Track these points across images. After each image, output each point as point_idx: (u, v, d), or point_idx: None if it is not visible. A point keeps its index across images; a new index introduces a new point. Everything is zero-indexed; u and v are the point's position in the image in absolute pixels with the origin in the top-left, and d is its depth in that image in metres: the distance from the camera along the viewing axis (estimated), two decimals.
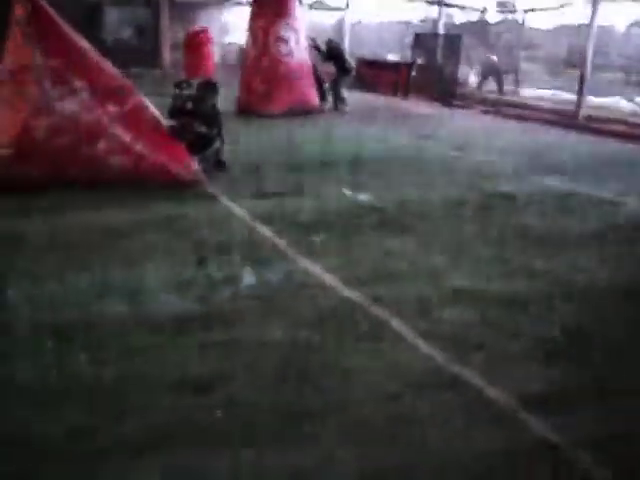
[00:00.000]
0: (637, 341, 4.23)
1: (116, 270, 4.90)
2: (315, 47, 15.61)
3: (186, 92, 8.13)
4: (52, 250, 5.29)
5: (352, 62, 16.42)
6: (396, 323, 4.19)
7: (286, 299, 4.51)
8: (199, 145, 7.89)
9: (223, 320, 4.18)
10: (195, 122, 7.88)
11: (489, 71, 21.18)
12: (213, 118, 8.17)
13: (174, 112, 7.97)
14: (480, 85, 21.24)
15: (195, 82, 8.55)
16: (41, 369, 3.53)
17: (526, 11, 21.74)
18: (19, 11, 7.20)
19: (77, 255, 5.20)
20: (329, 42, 16.19)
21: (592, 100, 16.40)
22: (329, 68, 16.00)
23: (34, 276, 4.72)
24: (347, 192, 7.49)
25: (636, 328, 4.43)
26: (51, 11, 7.26)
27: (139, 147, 7.23)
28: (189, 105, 8.03)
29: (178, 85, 8.32)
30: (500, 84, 20.69)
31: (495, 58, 21.29)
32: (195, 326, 4.09)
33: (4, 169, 6.90)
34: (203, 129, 7.94)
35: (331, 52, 15.78)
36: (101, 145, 7.15)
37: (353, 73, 16.67)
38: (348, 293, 4.63)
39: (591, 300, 4.78)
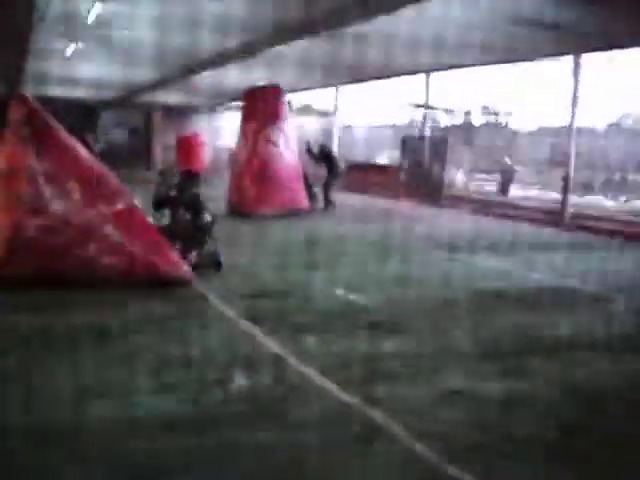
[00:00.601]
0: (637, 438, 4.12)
1: (104, 370, 4.79)
2: (308, 150, 16.21)
3: (169, 180, 8.28)
4: (39, 348, 5.17)
5: (342, 165, 16.93)
6: (391, 424, 4.08)
7: (279, 401, 4.40)
8: (189, 235, 7.93)
9: (214, 423, 4.05)
10: (179, 210, 7.98)
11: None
12: (197, 207, 8.24)
13: (158, 201, 8.10)
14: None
15: (177, 171, 8.74)
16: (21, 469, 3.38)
17: (508, 114, 22.42)
18: (15, 114, 7.36)
19: (64, 354, 5.10)
20: (322, 146, 17.08)
21: (576, 199, 16.74)
22: (320, 171, 16.49)
23: (18, 374, 4.61)
24: (339, 292, 7.47)
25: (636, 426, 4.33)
26: (46, 114, 7.42)
27: (130, 247, 7.23)
28: (172, 193, 8.16)
29: (161, 173, 8.49)
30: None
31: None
32: (186, 429, 3.96)
33: None
34: (188, 216, 8.01)
35: (323, 154, 16.36)
36: (92, 245, 7.15)
37: (342, 175, 17.12)
38: (341, 394, 4.52)
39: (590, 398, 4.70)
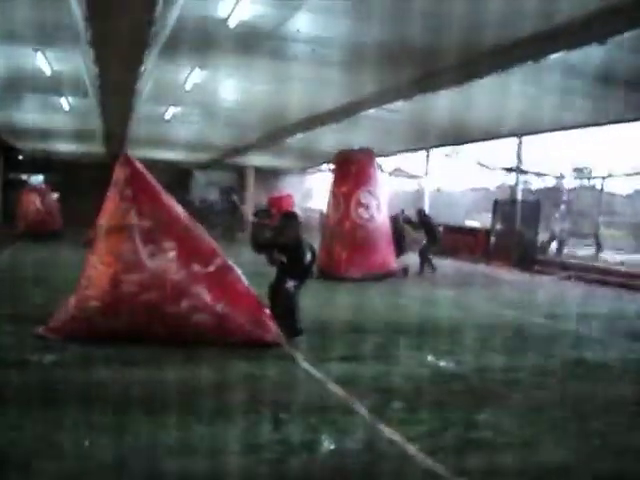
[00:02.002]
0: None
1: (192, 429, 4.82)
2: (406, 219, 16.18)
3: (265, 221, 8.20)
4: (129, 403, 5.26)
5: (440, 230, 16.80)
6: None
7: (366, 468, 4.29)
8: (285, 274, 7.93)
9: None
10: (274, 251, 7.98)
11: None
12: (299, 247, 8.11)
13: (257, 243, 8.07)
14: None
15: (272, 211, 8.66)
16: None
17: (603, 177, 21.83)
18: (119, 174, 7.68)
19: (154, 410, 5.15)
20: (420, 212, 17.04)
21: None
22: (419, 236, 16.43)
23: (108, 429, 4.67)
24: (430, 358, 7.32)
25: None
26: (147, 175, 7.72)
27: (221, 307, 7.33)
28: (268, 234, 8.10)
29: (256, 214, 8.48)
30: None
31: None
32: None
33: (91, 320, 7.19)
34: (283, 258, 7.98)
35: (422, 222, 16.31)
36: (184, 303, 7.28)
37: (440, 240, 16.97)
38: (431, 464, 4.37)
39: None
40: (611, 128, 18.37)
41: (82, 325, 7.21)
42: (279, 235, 8.29)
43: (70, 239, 18.78)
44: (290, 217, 8.61)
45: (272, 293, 8.12)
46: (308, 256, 8.14)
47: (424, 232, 16.23)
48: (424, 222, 16.42)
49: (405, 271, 15.45)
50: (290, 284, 8.01)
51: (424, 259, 15.87)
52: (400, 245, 15.77)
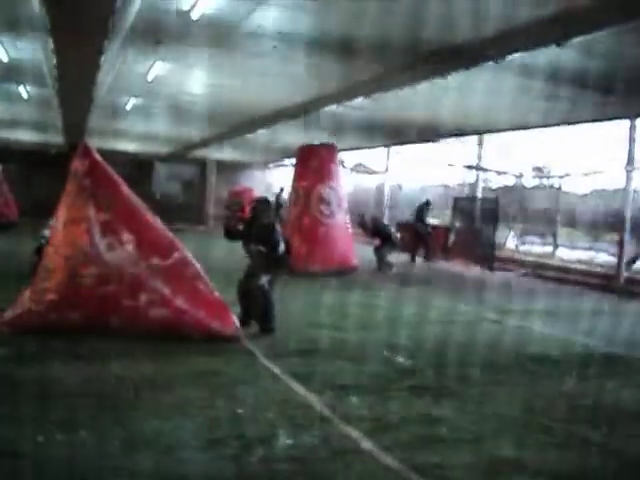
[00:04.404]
0: None
1: (147, 423, 4.80)
2: (361, 224, 16.24)
3: (238, 214, 8.23)
4: (84, 398, 5.22)
5: (397, 236, 16.86)
6: None
7: (322, 464, 4.32)
8: (268, 264, 7.93)
9: None
10: (251, 244, 7.95)
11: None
12: (272, 237, 8.06)
13: (227, 230, 8.15)
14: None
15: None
16: None
17: (561, 177, 22.19)
18: (77, 165, 7.59)
19: (109, 405, 5.12)
20: (374, 219, 17.15)
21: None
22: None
23: (62, 425, 4.62)
24: (386, 354, 7.39)
25: None
26: (107, 167, 7.64)
27: (180, 301, 7.30)
28: (240, 226, 8.16)
29: (227, 207, 8.49)
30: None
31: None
32: None
33: (48, 313, 7.10)
34: (261, 248, 7.96)
35: (377, 228, 16.37)
36: (143, 296, 7.24)
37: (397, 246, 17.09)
38: (387, 460, 4.42)
39: None
40: (570, 128, 18.63)
41: (38, 318, 7.11)
42: (252, 221, 8.27)
43: (26, 231, 18.45)
44: (262, 202, 8.57)
45: (243, 290, 8.09)
46: (282, 246, 8.09)
47: (379, 238, 16.31)
48: (378, 228, 16.50)
49: (390, 266, 15.67)
50: (263, 280, 7.99)
51: (381, 258, 15.95)
52: (390, 242, 15.99)
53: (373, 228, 16.39)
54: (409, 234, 19.45)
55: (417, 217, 19.47)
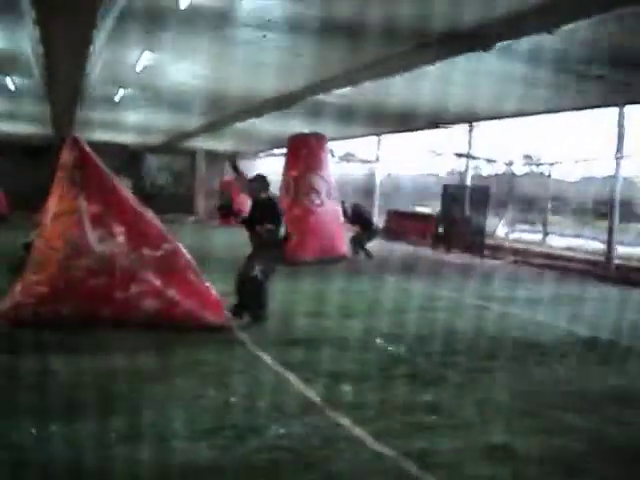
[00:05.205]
0: None
1: (141, 414, 4.82)
2: (342, 211, 16.21)
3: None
4: (77, 390, 5.23)
5: (378, 225, 16.88)
6: (427, 478, 4.00)
7: (314, 452, 4.35)
8: (277, 244, 7.95)
9: (249, 472, 4.02)
10: (257, 225, 7.96)
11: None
12: (274, 208, 8.07)
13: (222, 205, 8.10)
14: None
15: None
16: None
17: (551, 164, 22.26)
18: (67, 157, 7.57)
19: (102, 397, 5.13)
20: (355, 206, 16.90)
21: (621, 250, 16.48)
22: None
23: (56, 416, 4.62)
24: (378, 341, 7.42)
25: None
26: (96, 159, 7.62)
27: (170, 292, 7.31)
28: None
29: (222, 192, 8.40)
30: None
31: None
32: (219, 478, 3.94)
33: (39, 305, 7.08)
34: (268, 225, 7.93)
35: (357, 216, 16.34)
36: (134, 288, 7.25)
37: (377, 235, 17.11)
38: (378, 447, 4.46)
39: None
40: (561, 116, 18.65)
41: (29, 311, 7.11)
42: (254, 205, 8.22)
43: (17, 224, 18.40)
44: (259, 179, 8.44)
45: (241, 280, 8.09)
46: (282, 229, 8.05)
47: (359, 226, 16.34)
48: (358, 216, 16.51)
49: (369, 255, 15.73)
50: (257, 269, 7.96)
51: (356, 246, 15.97)
52: (370, 230, 16.05)
53: (353, 216, 16.39)
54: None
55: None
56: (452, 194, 21.04)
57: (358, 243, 16.02)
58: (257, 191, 8.27)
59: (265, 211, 8.06)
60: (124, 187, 7.80)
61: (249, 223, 8.20)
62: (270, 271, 8.17)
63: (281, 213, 8.13)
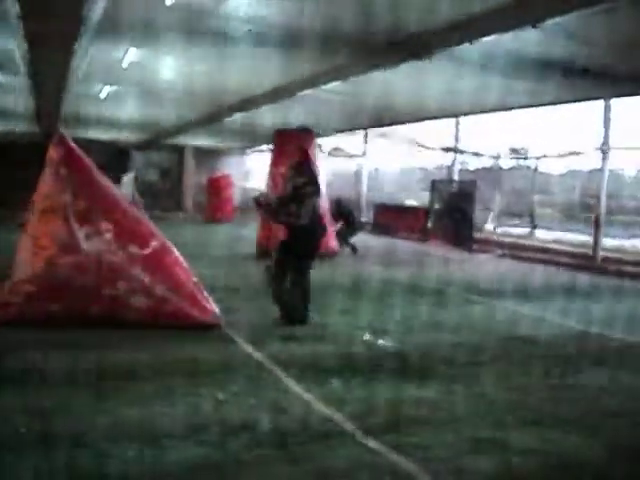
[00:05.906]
0: None
1: (129, 412, 4.80)
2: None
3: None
4: (65, 388, 5.20)
5: (362, 220, 16.82)
6: (418, 472, 4.02)
7: (305, 448, 4.35)
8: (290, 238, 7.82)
9: (240, 468, 4.02)
10: (287, 208, 7.75)
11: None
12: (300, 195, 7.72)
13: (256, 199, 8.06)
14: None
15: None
16: None
17: (538, 158, 22.36)
18: (53, 154, 7.53)
19: (91, 394, 5.11)
20: (338, 201, 16.81)
21: (608, 242, 16.60)
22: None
23: (45, 415, 4.60)
24: (367, 336, 7.43)
25: None
26: (82, 155, 7.59)
27: (159, 289, 7.28)
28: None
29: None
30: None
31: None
32: (210, 475, 3.94)
33: (26, 303, 7.03)
34: (293, 208, 7.69)
35: (340, 210, 16.30)
36: (122, 285, 7.21)
37: (360, 229, 17.09)
38: (368, 441, 4.46)
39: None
40: (548, 110, 18.72)
41: (16, 310, 7.06)
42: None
43: (3, 221, 18.27)
44: (296, 168, 8.12)
45: (276, 296, 7.89)
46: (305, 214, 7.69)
47: (342, 220, 16.34)
48: (341, 211, 16.45)
49: (354, 249, 15.76)
50: (289, 281, 7.81)
51: (340, 240, 15.97)
52: (352, 225, 16.04)
53: (336, 210, 16.32)
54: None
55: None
56: (440, 188, 21.10)
57: (342, 238, 16.00)
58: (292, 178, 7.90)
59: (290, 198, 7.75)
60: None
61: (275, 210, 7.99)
62: (303, 275, 8.00)
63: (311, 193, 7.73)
